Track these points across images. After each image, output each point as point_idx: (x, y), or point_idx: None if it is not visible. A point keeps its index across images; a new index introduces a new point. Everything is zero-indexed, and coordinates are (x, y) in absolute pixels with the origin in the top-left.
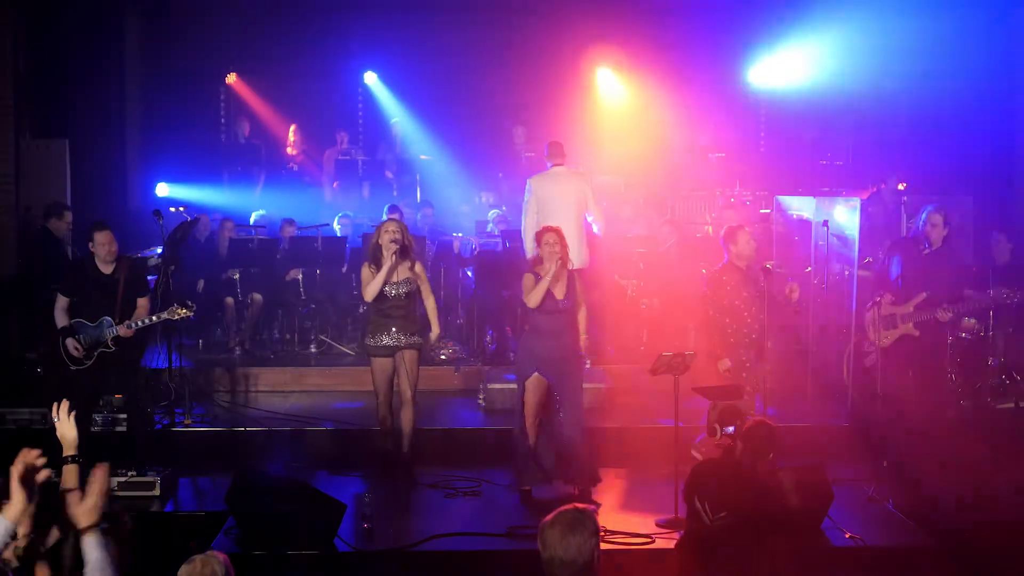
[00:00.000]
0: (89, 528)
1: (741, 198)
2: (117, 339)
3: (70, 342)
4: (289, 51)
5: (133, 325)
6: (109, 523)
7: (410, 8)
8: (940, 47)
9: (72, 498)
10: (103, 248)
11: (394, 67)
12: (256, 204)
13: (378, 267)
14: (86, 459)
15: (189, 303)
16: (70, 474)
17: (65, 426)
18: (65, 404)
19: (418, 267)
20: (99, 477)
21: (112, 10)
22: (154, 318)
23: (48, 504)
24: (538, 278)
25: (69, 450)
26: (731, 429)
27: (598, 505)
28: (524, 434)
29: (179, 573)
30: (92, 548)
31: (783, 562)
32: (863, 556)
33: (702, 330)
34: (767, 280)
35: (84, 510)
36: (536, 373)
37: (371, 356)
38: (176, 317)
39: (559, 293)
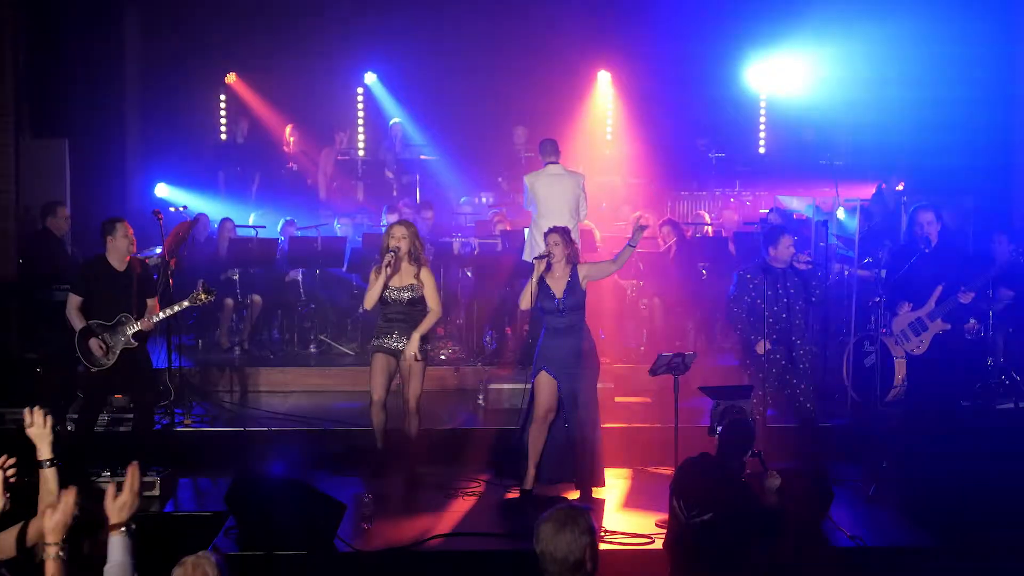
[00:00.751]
0: (118, 526)
1: (741, 198)
2: (138, 334)
3: (94, 343)
4: (289, 50)
5: (154, 317)
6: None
7: (410, 8)
8: (940, 47)
9: (109, 491)
10: (125, 240)
11: (394, 67)
12: (252, 205)
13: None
14: (88, 459)
15: (210, 288)
16: (50, 480)
17: (38, 430)
18: (39, 410)
19: (423, 273)
20: (133, 475)
21: (112, 9)
22: (176, 307)
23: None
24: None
25: (45, 454)
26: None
27: (591, 506)
28: (527, 434)
29: None
30: (117, 549)
31: (779, 562)
32: (863, 556)
33: (728, 328)
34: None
35: (117, 506)
36: (544, 372)
37: (371, 354)
38: (198, 303)
39: (558, 292)
